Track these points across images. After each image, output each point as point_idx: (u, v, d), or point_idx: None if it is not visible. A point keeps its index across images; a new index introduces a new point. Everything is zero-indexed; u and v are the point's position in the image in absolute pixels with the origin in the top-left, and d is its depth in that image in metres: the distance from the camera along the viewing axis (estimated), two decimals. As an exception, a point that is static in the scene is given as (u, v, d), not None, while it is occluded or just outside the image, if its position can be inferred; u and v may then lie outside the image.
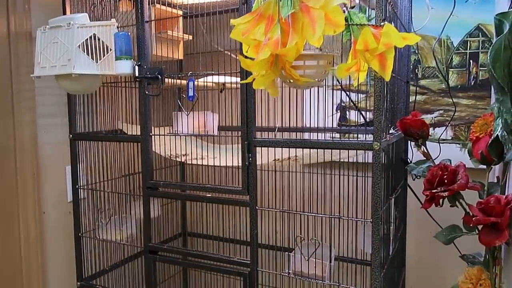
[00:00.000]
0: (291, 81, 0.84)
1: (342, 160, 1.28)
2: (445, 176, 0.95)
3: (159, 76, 1.09)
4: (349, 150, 1.05)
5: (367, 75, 0.90)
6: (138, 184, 1.59)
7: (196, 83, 1.37)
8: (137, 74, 1.14)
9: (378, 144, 0.88)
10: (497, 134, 0.88)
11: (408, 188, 1.42)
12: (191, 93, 1.06)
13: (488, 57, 0.83)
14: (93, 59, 1.10)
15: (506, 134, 0.85)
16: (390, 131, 1.07)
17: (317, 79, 0.85)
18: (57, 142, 1.45)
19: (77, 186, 1.39)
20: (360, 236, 1.21)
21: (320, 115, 1.47)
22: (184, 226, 1.91)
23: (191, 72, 1.08)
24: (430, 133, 1.47)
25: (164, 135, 1.16)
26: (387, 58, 0.80)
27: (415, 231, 1.49)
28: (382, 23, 0.81)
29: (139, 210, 1.47)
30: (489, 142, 0.95)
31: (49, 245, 1.44)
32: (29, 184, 1.37)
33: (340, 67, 0.80)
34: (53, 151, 1.44)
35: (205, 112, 1.05)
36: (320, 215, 1.03)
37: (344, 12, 0.77)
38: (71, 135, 1.37)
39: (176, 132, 1.12)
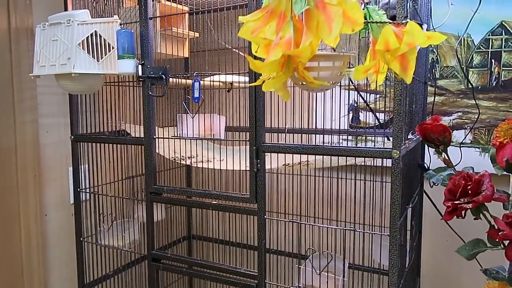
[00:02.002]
0: (304, 83, 0.78)
1: (354, 164, 1.22)
2: (469, 187, 0.88)
3: (163, 76, 1.03)
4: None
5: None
6: (142, 186, 1.55)
7: (202, 82, 1.31)
8: (140, 74, 1.08)
9: (398, 152, 0.81)
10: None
11: (424, 194, 1.35)
12: (196, 94, 1.00)
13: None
14: (94, 58, 1.04)
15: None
16: (409, 137, 1.00)
17: (331, 82, 0.79)
18: (59, 143, 1.40)
19: (78, 189, 1.34)
20: (375, 246, 1.15)
21: (332, 116, 1.40)
22: (190, 229, 1.86)
23: (196, 72, 1.02)
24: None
25: (169, 138, 1.10)
26: (409, 59, 0.74)
27: (430, 238, 1.42)
28: (404, 21, 0.74)
29: (143, 214, 1.42)
30: (517, 149, 0.88)
31: (51, 248, 1.40)
32: (30, 185, 1.33)
33: (357, 69, 0.73)
34: (55, 151, 1.40)
35: (212, 114, 0.99)
36: (333, 227, 0.96)
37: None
38: (72, 137, 1.32)
39: (180, 135, 1.06)
